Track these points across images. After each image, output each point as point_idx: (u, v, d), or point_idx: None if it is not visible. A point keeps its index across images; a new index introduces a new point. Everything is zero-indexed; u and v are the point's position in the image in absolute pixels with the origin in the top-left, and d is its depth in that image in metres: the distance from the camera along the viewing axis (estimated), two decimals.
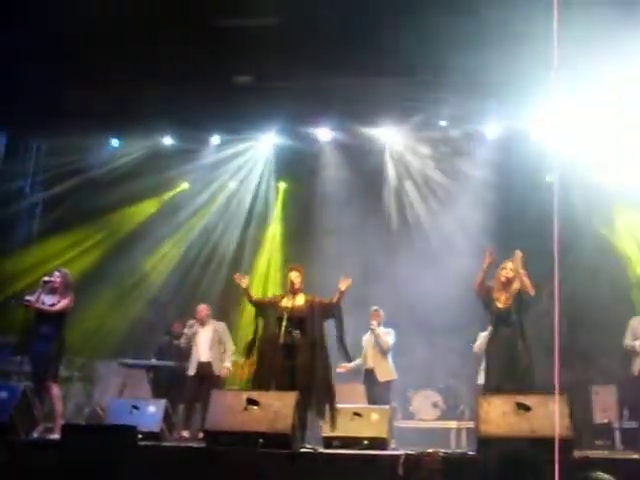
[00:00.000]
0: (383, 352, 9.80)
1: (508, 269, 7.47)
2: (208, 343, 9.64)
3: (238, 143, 11.08)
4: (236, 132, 10.79)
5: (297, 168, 11.54)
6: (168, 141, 11.07)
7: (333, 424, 7.26)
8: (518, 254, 7.39)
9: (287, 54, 8.99)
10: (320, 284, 8.32)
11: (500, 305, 7.43)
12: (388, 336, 9.79)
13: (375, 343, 9.80)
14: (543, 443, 6.05)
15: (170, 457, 6.51)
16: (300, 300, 7.62)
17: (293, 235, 12.04)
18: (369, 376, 9.78)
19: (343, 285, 7.50)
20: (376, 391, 9.60)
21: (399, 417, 9.91)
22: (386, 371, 9.77)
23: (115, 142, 11.01)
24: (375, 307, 9.97)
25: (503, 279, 7.47)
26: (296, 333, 7.41)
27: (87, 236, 11.05)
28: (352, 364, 9.54)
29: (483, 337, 9.39)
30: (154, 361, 10.86)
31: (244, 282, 7.75)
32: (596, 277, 11.35)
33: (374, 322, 9.81)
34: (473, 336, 9.73)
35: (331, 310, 7.56)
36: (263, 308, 7.74)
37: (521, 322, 7.37)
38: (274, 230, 12.09)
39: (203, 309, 9.90)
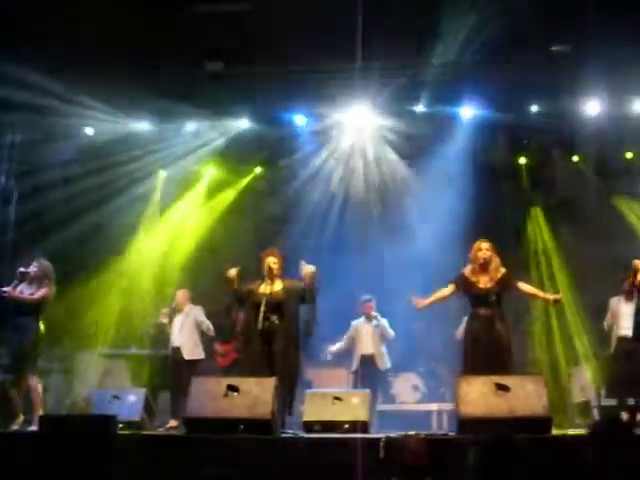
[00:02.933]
0: (382, 341, 9.93)
1: (484, 250, 7.50)
2: (179, 328, 9.60)
3: (213, 129, 11.01)
4: (210, 118, 10.73)
5: (272, 153, 11.49)
6: (145, 127, 10.99)
7: (290, 408, 7.32)
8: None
9: (259, 39, 8.95)
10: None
11: (481, 286, 7.47)
12: (388, 327, 9.96)
13: (375, 332, 9.89)
14: (522, 423, 6.19)
15: (149, 445, 6.48)
16: (278, 286, 7.59)
17: (268, 219, 12.01)
18: (368, 362, 9.87)
19: (304, 271, 7.49)
20: (376, 377, 9.88)
21: (380, 401, 9.97)
22: (386, 359, 9.94)
23: (89, 131, 10.90)
24: (367, 297, 10.02)
25: (482, 261, 7.50)
26: (274, 319, 7.39)
27: (64, 226, 10.92)
28: (337, 346, 9.78)
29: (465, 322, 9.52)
30: (134, 350, 10.83)
31: (232, 272, 7.70)
32: (574, 259, 11.46)
33: (375, 314, 9.91)
34: (453, 319, 9.79)
35: (305, 294, 7.53)
36: (242, 298, 7.72)
37: (500, 303, 7.42)
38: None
39: (180, 295, 9.86)
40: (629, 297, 8.90)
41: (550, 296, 7.62)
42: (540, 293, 7.74)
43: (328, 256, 10.74)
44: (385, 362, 9.99)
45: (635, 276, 7.55)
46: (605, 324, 9.39)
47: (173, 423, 8.96)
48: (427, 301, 7.67)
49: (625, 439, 4.85)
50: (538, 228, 11.59)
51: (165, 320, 9.69)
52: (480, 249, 7.51)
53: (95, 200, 11.01)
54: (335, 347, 10.14)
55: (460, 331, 9.70)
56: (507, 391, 6.47)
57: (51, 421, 6.39)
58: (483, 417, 6.29)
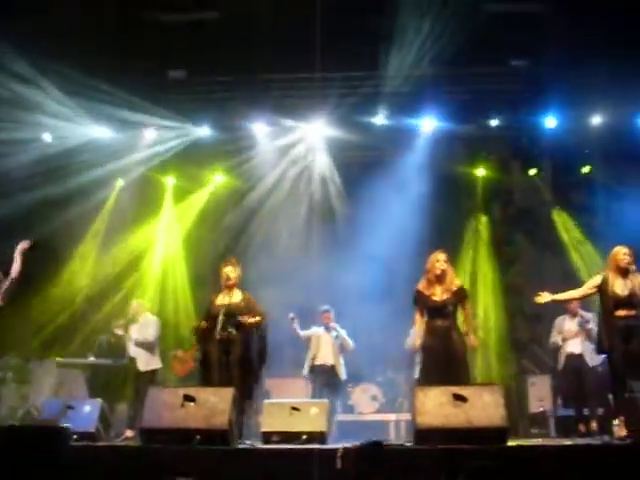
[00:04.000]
0: (341, 351, 9.91)
1: (442, 261, 7.55)
2: (134, 339, 9.51)
3: (173, 137, 10.91)
4: (172, 126, 10.66)
5: (232, 161, 11.42)
6: (104, 134, 10.86)
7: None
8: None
9: (221, 48, 8.95)
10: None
11: (436, 298, 7.50)
12: (347, 338, 9.93)
13: (334, 343, 9.85)
14: (479, 433, 6.22)
15: (104, 457, 6.38)
16: (236, 296, 7.59)
17: (227, 227, 11.95)
18: (328, 372, 9.81)
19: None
20: (337, 388, 9.85)
21: (339, 411, 9.96)
22: (343, 369, 9.89)
23: (47, 137, 10.74)
24: (325, 307, 9.99)
25: (439, 272, 7.54)
26: (232, 328, 7.38)
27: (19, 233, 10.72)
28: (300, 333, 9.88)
29: (414, 332, 9.48)
30: (91, 360, 10.67)
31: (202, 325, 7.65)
32: (531, 269, 11.62)
33: (333, 324, 9.88)
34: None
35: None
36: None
37: (455, 314, 7.47)
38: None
39: (136, 305, 9.77)
40: (574, 314, 9.16)
41: (472, 338, 7.56)
42: (467, 329, 7.60)
43: (286, 264, 10.77)
44: (343, 372, 9.99)
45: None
46: (551, 341, 9.54)
47: (129, 434, 8.84)
48: (418, 339, 7.59)
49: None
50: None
51: (121, 332, 9.59)
52: (438, 260, 7.56)
53: (51, 206, 10.84)
54: (299, 330, 10.00)
55: (409, 342, 9.78)
56: (464, 401, 6.48)
57: (2, 432, 6.26)
58: (440, 427, 6.31)
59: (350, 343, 9.95)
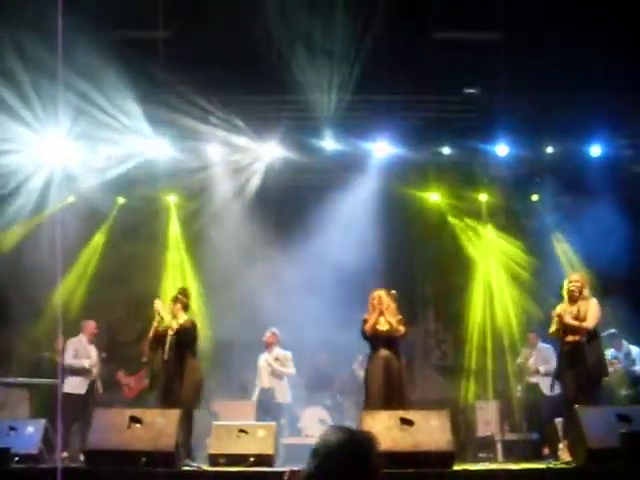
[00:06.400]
0: (282, 375, 9.85)
1: (384, 296, 7.93)
2: (96, 360, 9.44)
3: (126, 155, 10.72)
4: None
5: (188, 182, 11.28)
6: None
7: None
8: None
9: (178, 65, 8.96)
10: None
11: (381, 328, 7.79)
12: (288, 362, 9.87)
13: (273, 364, 9.79)
14: (425, 457, 6.27)
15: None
16: (182, 318, 7.66)
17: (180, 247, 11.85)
18: (268, 395, 9.75)
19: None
20: (277, 411, 9.69)
21: (287, 434, 9.90)
22: (284, 392, 9.83)
23: None
24: (272, 329, 9.95)
25: (385, 305, 7.86)
26: (179, 350, 7.39)
27: None
28: None
29: (362, 359, 9.61)
30: (35, 379, 10.45)
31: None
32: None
33: (274, 348, 9.85)
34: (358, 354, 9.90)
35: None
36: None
37: (397, 343, 7.79)
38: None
39: (91, 325, 9.65)
40: (533, 346, 9.69)
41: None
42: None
43: (240, 285, 10.72)
44: (286, 396, 9.89)
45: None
46: (517, 367, 9.96)
47: (64, 454, 8.70)
48: None
49: None
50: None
51: (80, 350, 9.53)
52: (380, 296, 7.89)
53: None
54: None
55: (356, 366, 9.89)
56: (411, 425, 6.53)
57: None
58: (387, 451, 6.32)
59: (285, 370, 9.85)
